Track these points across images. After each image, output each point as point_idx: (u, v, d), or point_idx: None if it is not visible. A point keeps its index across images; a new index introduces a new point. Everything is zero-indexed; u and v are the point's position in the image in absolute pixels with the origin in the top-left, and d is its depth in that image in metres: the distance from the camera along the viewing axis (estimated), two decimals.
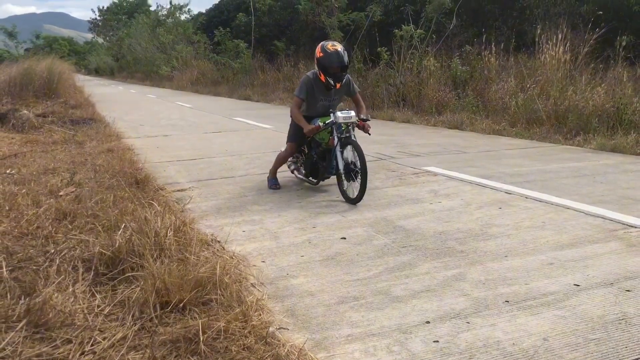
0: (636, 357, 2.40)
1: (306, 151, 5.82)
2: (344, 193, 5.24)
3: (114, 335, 2.54)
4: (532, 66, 11.62)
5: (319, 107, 5.55)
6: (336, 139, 5.25)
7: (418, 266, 3.52)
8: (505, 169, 6.48)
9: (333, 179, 5.55)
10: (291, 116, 5.64)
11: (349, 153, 5.26)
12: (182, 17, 42.35)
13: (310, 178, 5.78)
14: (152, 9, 55.29)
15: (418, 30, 14.47)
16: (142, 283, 2.94)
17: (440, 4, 15.11)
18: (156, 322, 2.67)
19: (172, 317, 2.72)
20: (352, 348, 2.54)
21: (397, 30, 14.33)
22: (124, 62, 50.05)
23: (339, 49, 5.34)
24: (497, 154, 7.61)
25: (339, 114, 5.19)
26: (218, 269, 3.00)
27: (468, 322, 2.75)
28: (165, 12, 43.04)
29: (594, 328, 2.67)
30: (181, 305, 2.79)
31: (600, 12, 13.62)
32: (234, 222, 4.56)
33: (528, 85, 10.74)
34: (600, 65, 10.92)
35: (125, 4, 65.25)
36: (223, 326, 2.55)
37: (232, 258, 3.59)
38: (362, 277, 3.38)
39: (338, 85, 5.42)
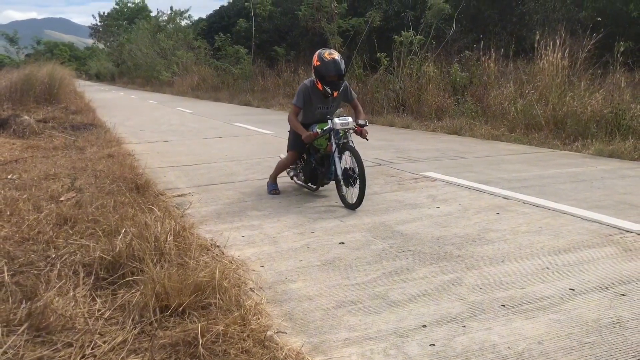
0: None
1: (305, 157, 5.84)
2: (342, 198, 5.26)
3: (114, 339, 2.57)
4: (531, 72, 11.67)
5: (317, 115, 5.59)
6: (334, 145, 5.28)
7: (415, 271, 3.56)
8: (503, 174, 6.51)
9: (332, 184, 5.58)
10: (289, 123, 5.68)
11: (347, 159, 5.29)
12: (183, 23, 42.52)
13: (310, 184, 5.81)
14: (152, 14, 55.45)
15: (418, 36, 14.52)
16: (142, 287, 2.98)
17: (440, 10, 15.15)
18: (156, 325, 2.70)
19: (172, 321, 2.75)
20: (350, 351, 2.57)
21: (396, 36, 14.38)
22: (125, 67, 50.17)
23: (336, 58, 5.36)
24: (495, 159, 7.65)
25: (336, 120, 5.22)
26: (217, 273, 3.04)
27: (464, 326, 2.78)
28: (166, 18, 43.19)
29: (588, 332, 2.70)
30: (181, 309, 2.82)
31: (599, 19, 13.67)
32: (233, 227, 4.60)
33: (527, 91, 10.79)
34: (599, 71, 10.97)
35: (125, 10, 65.47)
36: (222, 330, 2.58)
37: (231, 263, 3.62)
38: (360, 281, 3.41)
39: (335, 94, 5.44)
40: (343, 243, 4.15)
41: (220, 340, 2.53)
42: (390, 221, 4.69)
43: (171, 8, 43.20)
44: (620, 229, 4.33)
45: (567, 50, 10.83)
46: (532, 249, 3.91)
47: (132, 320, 2.76)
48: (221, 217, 4.94)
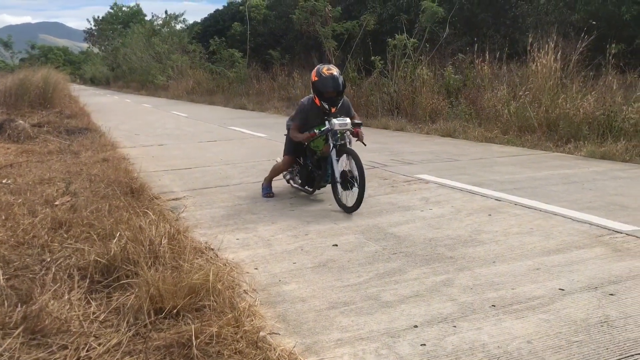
0: (616, 358, 2.48)
1: (301, 161, 5.84)
2: (339, 201, 5.25)
3: (109, 341, 2.60)
4: (524, 74, 11.73)
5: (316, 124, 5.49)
6: (332, 146, 5.28)
7: (407, 272, 3.60)
8: (496, 176, 6.56)
9: (327, 187, 5.61)
10: (291, 137, 5.64)
11: (344, 161, 5.28)
12: (178, 27, 42.63)
13: (306, 187, 5.81)
14: (147, 18, 55.50)
15: (412, 40, 14.60)
16: (136, 290, 3.01)
17: (434, 13, 15.24)
18: (150, 328, 2.73)
19: (166, 323, 2.79)
20: (342, 352, 2.61)
21: (390, 40, 14.45)
22: (120, 71, 50.16)
23: (335, 73, 5.31)
24: (488, 161, 7.71)
25: (334, 120, 5.20)
26: (211, 276, 3.07)
27: (455, 326, 2.82)
28: (161, 22, 43.27)
29: (577, 331, 2.74)
30: (175, 311, 2.85)
31: (592, 21, 13.75)
32: (227, 230, 4.63)
33: (520, 93, 10.85)
34: (591, 73, 11.04)
35: (120, 14, 65.42)
36: (215, 331, 2.61)
37: (225, 265, 3.66)
38: (352, 283, 3.45)
39: (333, 110, 5.37)
40: (336, 245, 4.19)
41: (214, 342, 2.56)
42: (383, 223, 4.73)
43: (166, 12, 43.35)
44: (610, 229, 4.38)
45: (560, 53, 10.90)
46: (523, 250, 3.95)
47: (127, 322, 2.79)
48: (216, 221, 4.97)
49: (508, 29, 18.29)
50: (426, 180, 6.43)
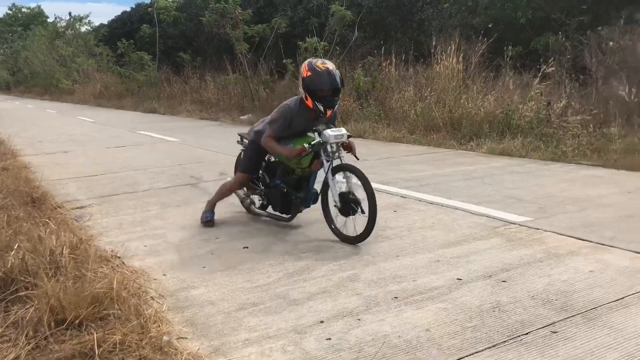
0: (504, 339, 2.67)
1: (267, 181, 4.88)
2: (336, 231, 4.33)
3: (6, 356, 2.51)
4: (429, 76, 12.19)
5: (297, 134, 4.59)
6: (326, 164, 4.34)
7: (315, 270, 3.69)
8: (402, 174, 6.81)
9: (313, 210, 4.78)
10: (266, 148, 4.63)
11: (341, 181, 4.40)
12: (83, 29, 40.91)
13: (278, 213, 4.84)
14: (49, 20, 53.00)
15: (322, 43, 14.82)
16: (36, 302, 2.90)
17: (342, 17, 15.53)
18: (51, 339, 2.65)
19: (68, 334, 2.71)
20: (249, 351, 2.65)
21: (301, 43, 14.62)
22: (21, 75, 47.51)
23: (330, 68, 4.35)
24: (396, 160, 7.97)
25: (329, 131, 4.25)
26: (115, 283, 3.02)
27: (359, 319, 2.93)
28: (65, 24, 41.42)
29: (471, 317, 2.92)
30: (77, 321, 2.78)
31: (492, 26, 14.46)
32: (135, 237, 4.54)
33: (426, 94, 11.27)
34: (491, 74, 11.63)
35: (20, 15, 62.08)
36: (119, 339, 2.57)
37: (132, 273, 3.60)
38: (262, 283, 3.49)
39: (329, 112, 4.41)
40: (247, 247, 4.22)
41: (117, 349, 2.53)
42: (293, 223, 4.80)
43: (70, 14, 41.58)
44: (505, 221, 4.67)
45: (462, 55, 11.42)
46: (425, 244, 4.14)
47: (26, 335, 2.69)
48: (123, 228, 4.86)
49: (414, 32, 18.89)
50: (336, 180, 6.55)
